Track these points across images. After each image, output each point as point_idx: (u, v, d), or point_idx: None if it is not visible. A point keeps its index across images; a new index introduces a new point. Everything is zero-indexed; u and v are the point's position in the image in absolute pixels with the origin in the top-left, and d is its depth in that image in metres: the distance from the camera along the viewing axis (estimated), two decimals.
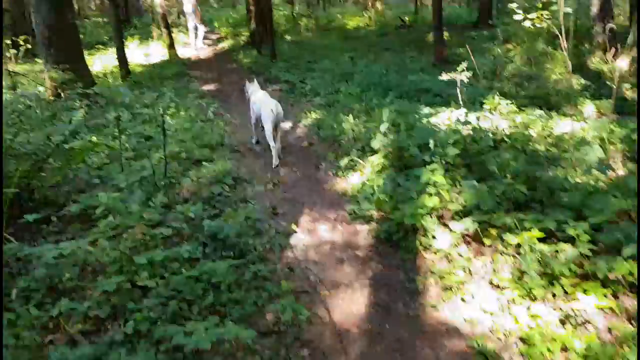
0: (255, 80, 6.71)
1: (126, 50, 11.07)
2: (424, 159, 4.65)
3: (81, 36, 10.42)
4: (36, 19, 8.25)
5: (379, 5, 19.30)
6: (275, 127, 5.87)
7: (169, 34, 13.41)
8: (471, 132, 4.98)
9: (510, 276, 3.28)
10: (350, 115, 6.75)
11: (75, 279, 3.24)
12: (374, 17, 18.21)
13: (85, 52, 10.01)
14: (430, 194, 4.00)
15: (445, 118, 5.70)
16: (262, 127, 5.97)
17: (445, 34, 11.83)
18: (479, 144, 4.77)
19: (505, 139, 5.04)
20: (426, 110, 6.25)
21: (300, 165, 5.88)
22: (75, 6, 14.74)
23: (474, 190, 3.92)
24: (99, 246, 3.45)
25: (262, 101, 6.05)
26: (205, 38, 15.54)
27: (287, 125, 7.47)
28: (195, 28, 14.56)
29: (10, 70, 8.23)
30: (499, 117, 5.78)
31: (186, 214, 4.23)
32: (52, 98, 7.89)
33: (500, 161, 4.30)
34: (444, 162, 4.45)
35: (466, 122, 5.06)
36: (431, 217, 3.88)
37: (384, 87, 8.43)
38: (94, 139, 5.50)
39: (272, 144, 5.82)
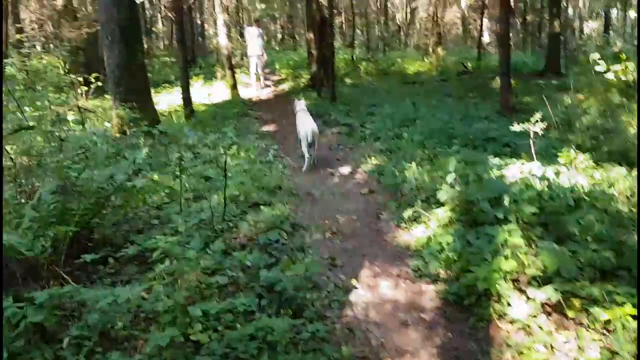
0: (302, 99, 8.37)
1: (191, 90, 11.33)
2: (496, 215, 4.33)
3: (149, 75, 10.80)
4: (108, 58, 8.58)
5: (440, 50, 19.18)
6: (312, 143, 7.29)
7: (233, 74, 13.71)
8: (546, 189, 4.64)
9: (600, 356, 2.91)
10: (413, 163, 6.50)
11: (128, 328, 3.12)
12: (435, 63, 18.07)
13: (152, 90, 10.31)
14: (506, 257, 3.66)
15: (516, 171, 5.35)
16: (300, 141, 7.51)
17: (512, 82, 11.49)
18: (556, 202, 4.42)
19: (584, 197, 4.66)
20: (495, 161, 5.92)
21: (360, 214, 5.66)
22: (145, 46, 15.40)
23: (554, 254, 3.57)
24: (153, 293, 3.33)
25: (302, 120, 7.57)
26: (266, 79, 15.82)
27: (346, 170, 7.32)
28: (257, 70, 14.84)
29: (80, 106, 8.51)
30: (575, 172, 5.40)
31: (243, 261, 4.08)
32: (117, 135, 8.08)
33: (583, 222, 3.94)
34: (520, 221, 4.12)
35: (543, 178, 4.72)
36: (506, 281, 3.56)
37: (447, 134, 8.14)
38: (156, 177, 5.51)
39: (306, 154, 7.31)
